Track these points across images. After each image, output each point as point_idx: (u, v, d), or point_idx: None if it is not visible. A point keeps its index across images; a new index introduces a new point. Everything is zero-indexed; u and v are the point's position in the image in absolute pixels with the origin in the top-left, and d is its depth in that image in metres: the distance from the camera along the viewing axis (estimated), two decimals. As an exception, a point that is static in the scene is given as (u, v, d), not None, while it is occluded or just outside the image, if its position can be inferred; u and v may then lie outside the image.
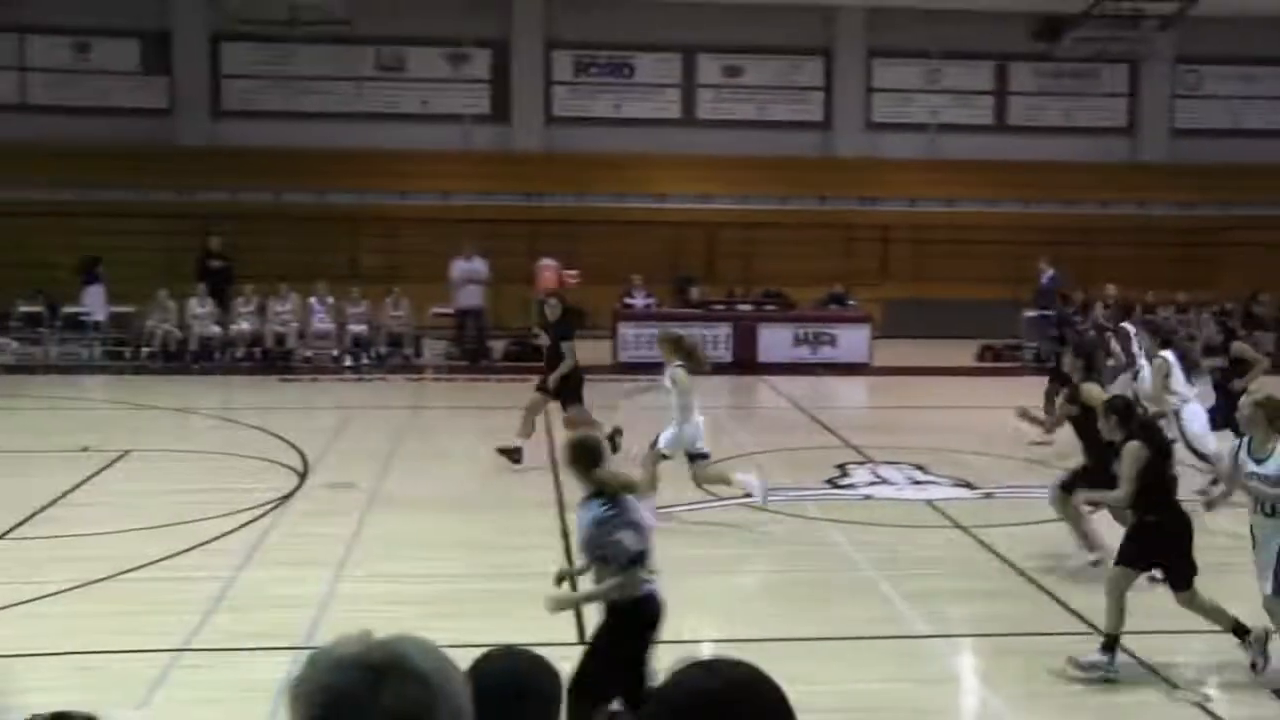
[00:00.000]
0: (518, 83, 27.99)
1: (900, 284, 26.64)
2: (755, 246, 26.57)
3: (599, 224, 25.99)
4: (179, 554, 10.11)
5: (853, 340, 22.32)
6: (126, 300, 22.54)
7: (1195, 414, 11.88)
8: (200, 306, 22.02)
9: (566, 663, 2.86)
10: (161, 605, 8.95)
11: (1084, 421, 9.65)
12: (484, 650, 3.10)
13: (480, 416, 12.74)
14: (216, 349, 21.87)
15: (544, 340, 14.50)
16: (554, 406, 13.63)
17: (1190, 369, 12.19)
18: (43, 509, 11.50)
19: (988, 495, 12.66)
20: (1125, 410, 8.29)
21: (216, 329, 22.01)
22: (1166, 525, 7.71)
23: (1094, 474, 9.35)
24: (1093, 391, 9.80)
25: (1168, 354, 12.10)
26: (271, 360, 21.77)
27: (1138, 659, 7.88)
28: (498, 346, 22.12)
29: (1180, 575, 7.69)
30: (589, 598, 6.41)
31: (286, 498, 12.11)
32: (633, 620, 6.05)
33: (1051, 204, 27.79)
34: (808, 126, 28.90)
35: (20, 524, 11.03)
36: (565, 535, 10.50)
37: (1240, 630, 7.68)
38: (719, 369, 16.06)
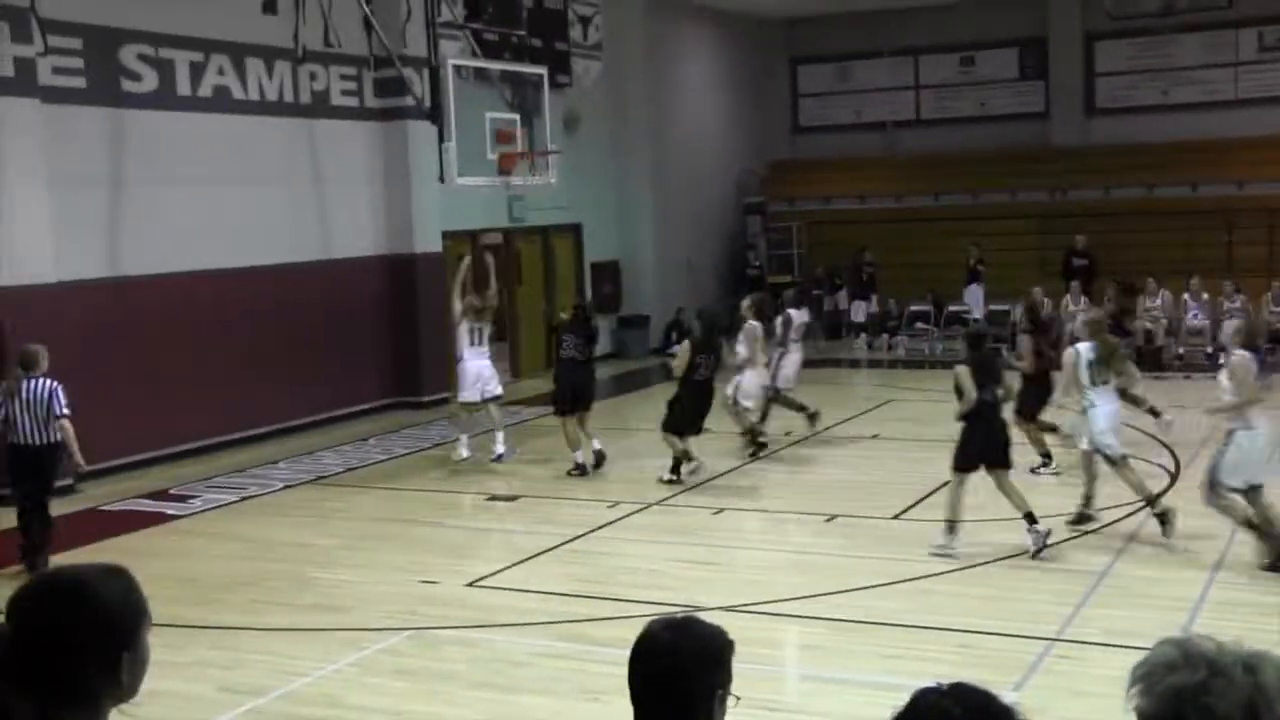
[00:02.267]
0: None
1: None
2: None
3: None
4: (1052, 545, 10.44)
5: None
6: (1002, 298, 23.45)
7: None
8: (1074, 304, 22.31)
9: None
10: (1035, 593, 9.36)
11: None
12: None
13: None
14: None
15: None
16: None
17: None
18: (930, 493, 12.42)
19: None
20: None
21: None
22: None
23: None
24: None
25: None
26: (1141, 357, 21.48)
27: None
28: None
29: None
30: None
31: (1158, 496, 11.99)
32: None
33: None
34: None
35: (911, 506, 12.05)
36: None
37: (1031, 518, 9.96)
38: None
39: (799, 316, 16.08)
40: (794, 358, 15.75)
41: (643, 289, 24.74)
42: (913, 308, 24.66)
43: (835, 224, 27.21)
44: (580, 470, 13.94)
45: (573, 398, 14.19)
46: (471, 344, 14.56)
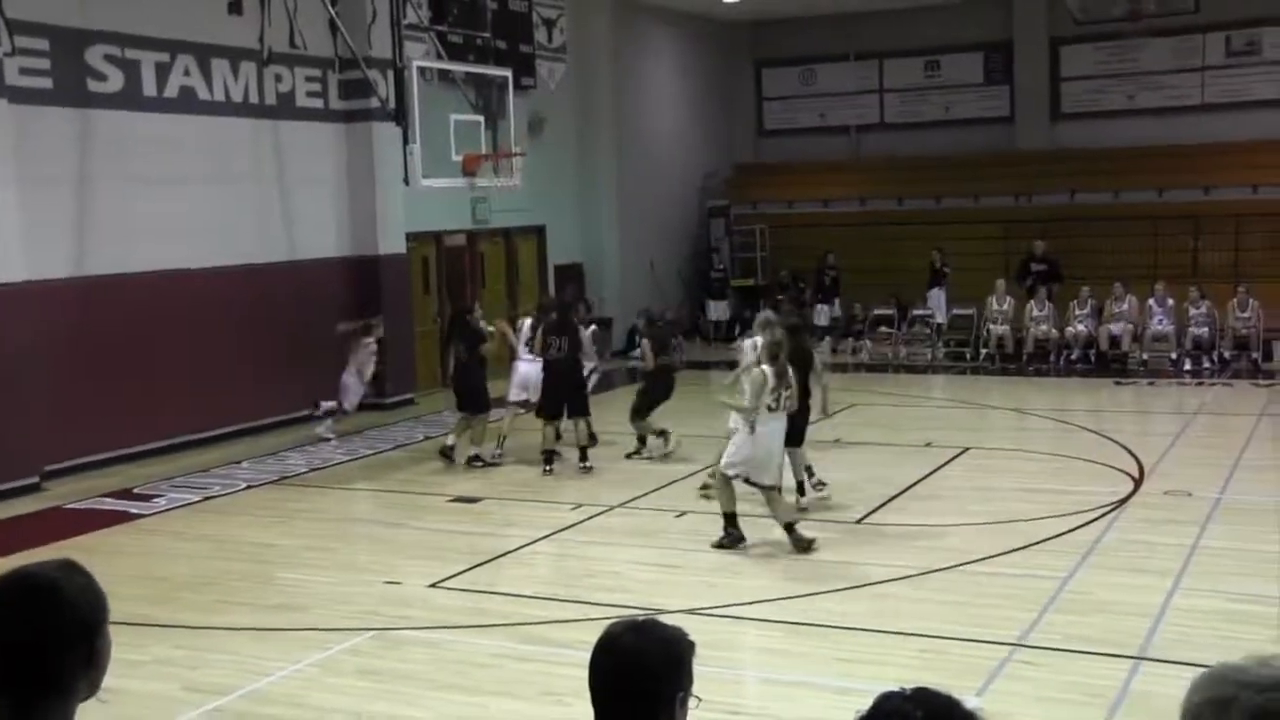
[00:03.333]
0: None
1: None
2: None
3: None
4: (1014, 550, 10.53)
5: None
6: (965, 303, 23.59)
7: None
8: (1038, 309, 22.44)
9: None
10: (998, 599, 9.39)
11: None
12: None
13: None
14: (1051, 351, 22.16)
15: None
16: None
17: None
18: (892, 498, 12.50)
19: None
20: None
21: (1053, 331, 22.30)
22: None
23: None
24: None
25: None
26: (1106, 363, 21.65)
27: None
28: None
29: None
30: None
31: (1122, 502, 12.10)
32: None
33: None
34: None
35: (873, 511, 12.09)
36: None
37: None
38: None
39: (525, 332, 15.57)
40: (524, 368, 15.21)
41: (606, 291, 24.74)
42: (876, 311, 24.75)
43: (799, 227, 27.28)
44: (447, 455, 14.89)
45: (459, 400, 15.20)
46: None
